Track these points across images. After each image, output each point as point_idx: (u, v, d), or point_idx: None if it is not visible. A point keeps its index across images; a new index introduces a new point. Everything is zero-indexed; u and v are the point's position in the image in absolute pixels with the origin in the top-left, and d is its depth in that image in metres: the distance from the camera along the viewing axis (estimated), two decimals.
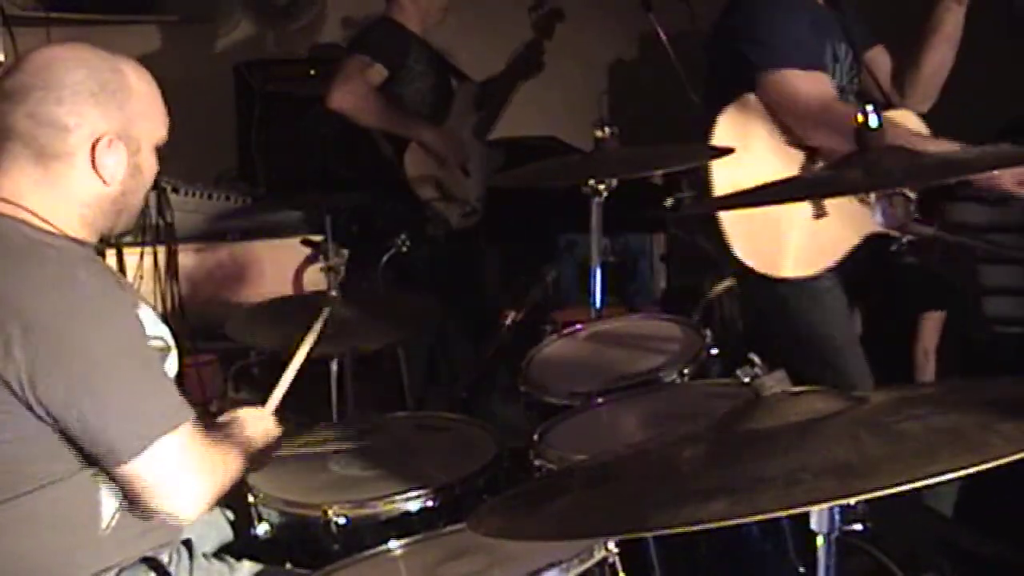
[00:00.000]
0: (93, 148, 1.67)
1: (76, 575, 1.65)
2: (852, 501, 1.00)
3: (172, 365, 1.78)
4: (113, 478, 1.63)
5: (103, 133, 1.67)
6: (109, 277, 1.70)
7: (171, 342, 1.79)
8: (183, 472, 1.61)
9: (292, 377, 2.06)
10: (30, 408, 1.56)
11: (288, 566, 1.91)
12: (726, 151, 2.40)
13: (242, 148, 4.77)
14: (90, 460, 1.62)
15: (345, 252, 2.73)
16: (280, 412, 1.98)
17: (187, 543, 1.82)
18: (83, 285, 1.60)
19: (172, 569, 1.75)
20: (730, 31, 2.59)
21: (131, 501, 1.64)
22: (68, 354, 1.55)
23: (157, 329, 1.75)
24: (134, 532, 1.69)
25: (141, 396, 1.60)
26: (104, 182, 1.69)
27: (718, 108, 2.53)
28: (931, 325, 3.05)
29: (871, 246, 2.54)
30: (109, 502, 1.66)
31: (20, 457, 1.60)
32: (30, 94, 1.64)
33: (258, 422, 1.90)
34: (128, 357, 1.62)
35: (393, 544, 1.71)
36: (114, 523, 1.67)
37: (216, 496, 1.67)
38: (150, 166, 1.77)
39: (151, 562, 1.72)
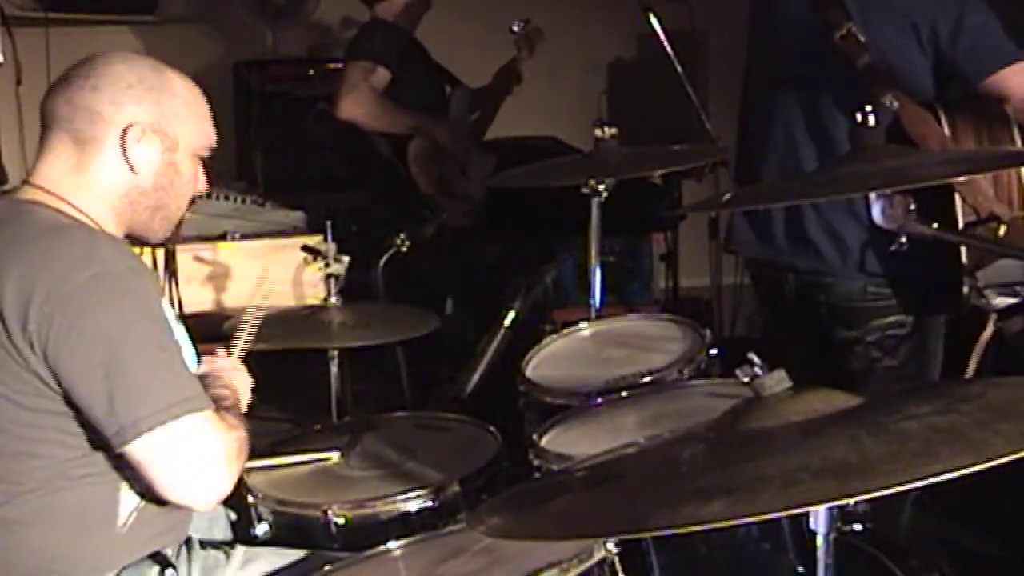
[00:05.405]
0: (124, 135, 1.70)
1: (85, 574, 1.65)
2: (852, 501, 1.00)
3: (191, 363, 1.78)
4: (127, 464, 1.61)
5: (135, 122, 1.70)
6: (136, 261, 1.69)
7: (188, 343, 1.79)
8: (193, 461, 1.59)
9: (252, 325, 2.07)
10: (44, 380, 1.57)
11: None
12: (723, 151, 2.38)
13: (241, 148, 4.77)
14: (99, 445, 1.61)
15: (346, 259, 2.72)
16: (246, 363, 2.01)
17: (186, 539, 1.82)
18: (106, 262, 1.61)
19: (173, 560, 1.75)
20: None
21: (147, 488, 1.63)
22: (84, 326, 1.55)
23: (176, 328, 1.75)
24: (148, 533, 1.70)
25: (153, 377, 1.58)
26: (132, 170, 1.71)
27: None
28: None
29: None
30: (128, 501, 1.67)
31: (33, 436, 1.60)
32: (72, 83, 1.71)
33: (236, 375, 1.92)
34: (145, 337, 1.61)
35: (393, 544, 1.71)
36: (131, 521, 1.67)
37: (230, 486, 1.65)
38: (190, 170, 1.79)
39: (156, 556, 1.72)
